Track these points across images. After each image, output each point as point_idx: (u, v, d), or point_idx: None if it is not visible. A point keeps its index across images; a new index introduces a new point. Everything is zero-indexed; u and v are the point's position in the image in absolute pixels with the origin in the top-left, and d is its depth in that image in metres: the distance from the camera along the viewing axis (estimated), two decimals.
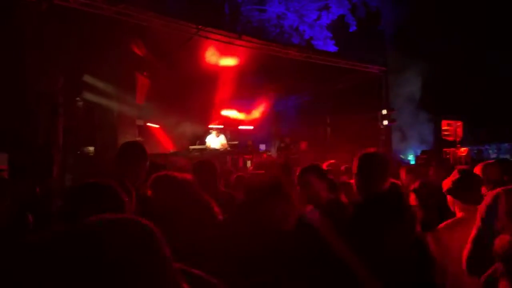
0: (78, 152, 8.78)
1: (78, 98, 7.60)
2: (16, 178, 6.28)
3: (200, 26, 8.69)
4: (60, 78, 7.05)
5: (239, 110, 13.90)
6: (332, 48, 16.04)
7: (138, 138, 10.25)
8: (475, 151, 15.43)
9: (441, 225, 2.41)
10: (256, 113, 14.04)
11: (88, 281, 0.67)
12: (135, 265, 0.71)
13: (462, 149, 11.58)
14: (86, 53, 8.53)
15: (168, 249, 0.79)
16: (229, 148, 10.90)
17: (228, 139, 11.59)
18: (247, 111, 14.22)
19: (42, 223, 2.60)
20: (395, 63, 14.45)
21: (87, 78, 8.57)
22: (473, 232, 1.99)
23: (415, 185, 3.32)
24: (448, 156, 10.94)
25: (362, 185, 2.22)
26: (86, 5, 7.32)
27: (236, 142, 11.97)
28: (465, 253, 2.01)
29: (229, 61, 10.99)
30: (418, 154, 13.95)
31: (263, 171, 2.17)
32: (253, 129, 14.33)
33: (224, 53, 10.17)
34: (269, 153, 13.15)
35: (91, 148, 9.12)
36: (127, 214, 1.21)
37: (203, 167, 2.87)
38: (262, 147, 13.12)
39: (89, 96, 8.71)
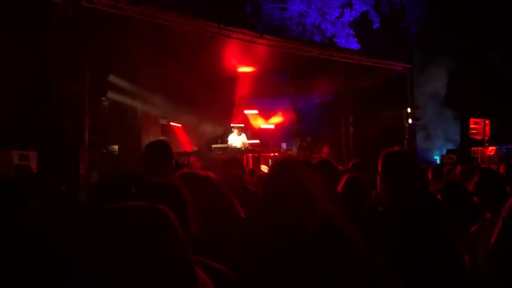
0: (104, 151, 9.00)
1: (103, 98, 7.77)
2: (45, 175, 6.50)
3: (222, 25, 8.73)
4: (86, 78, 7.23)
5: (261, 112, 13.87)
6: (354, 45, 15.80)
7: (161, 137, 10.41)
8: (504, 150, 14.92)
9: (473, 228, 2.34)
10: (277, 119, 13.99)
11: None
12: (153, 246, 0.77)
13: (490, 148, 11.23)
14: (111, 53, 8.73)
15: (184, 236, 0.84)
16: (250, 147, 10.92)
17: (249, 138, 11.61)
18: (268, 113, 14.20)
19: (68, 218, 2.68)
20: (420, 60, 14.15)
21: (112, 78, 8.75)
22: (495, 233, 1.93)
23: (441, 185, 3.25)
24: (476, 155, 10.62)
25: (387, 185, 2.17)
26: (110, 6, 7.48)
27: (257, 141, 11.98)
28: (488, 254, 1.95)
29: (249, 63, 10.98)
30: (444, 153, 13.62)
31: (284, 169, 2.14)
32: (274, 128, 14.31)
33: (246, 52, 10.17)
34: (290, 152, 13.12)
35: (116, 147, 9.32)
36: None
37: (228, 165, 2.90)
38: (283, 146, 13.10)
39: (114, 95, 8.90)
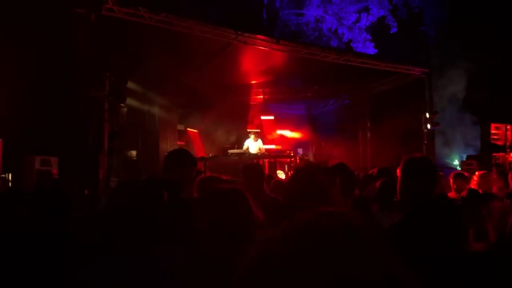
0: (122, 156, 9.14)
1: (122, 104, 7.91)
2: (66, 180, 6.64)
3: (239, 32, 8.79)
4: (106, 85, 7.38)
5: (277, 118, 13.85)
6: (371, 50, 15.72)
7: (178, 143, 10.52)
8: None
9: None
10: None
11: None
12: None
13: None
14: (130, 60, 8.88)
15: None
16: (266, 153, 10.92)
17: (265, 143, 11.62)
18: (284, 119, 14.17)
19: (88, 222, 2.73)
20: (438, 62, 13.94)
21: (131, 85, 8.90)
22: None
23: (464, 193, 3.19)
24: (497, 161, 10.37)
25: (407, 191, 2.15)
26: (130, 15, 7.62)
27: (273, 146, 11.98)
28: None
29: (266, 69, 10.99)
30: (464, 158, 13.34)
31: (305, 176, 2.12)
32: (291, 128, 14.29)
33: (262, 58, 10.20)
34: (307, 157, 13.06)
35: (134, 152, 9.46)
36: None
37: (250, 171, 2.92)
38: (300, 151, 13.05)
39: (132, 102, 9.05)
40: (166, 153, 2.55)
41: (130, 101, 9.11)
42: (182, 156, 2.49)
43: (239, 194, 1.49)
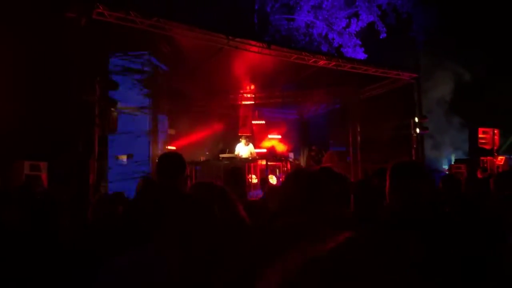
0: (112, 161, 9.07)
1: (113, 109, 7.87)
2: (55, 185, 6.58)
3: (230, 37, 8.83)
4: (96, 89, 7.34)
5: (268, 122, 13.87)
6: (361, 55, 15.89)
7: (170, 147, 10.49)
8: None
9: None
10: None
11: None
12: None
13: (500, 158, 11.15)
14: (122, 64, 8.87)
15: None
16: (257, 157, 10.93)
17: (256, 148, 11.64)
18: (275, 123, 14.20)
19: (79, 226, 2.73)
20: (426, 67, 14.14)
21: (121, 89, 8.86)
22: None
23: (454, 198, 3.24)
24: (485, 165, 10.54)
25: (397, 197, 2.18)
26: (122, 19, 7.61)
27: (264, 151, 12.01)
28: None
29: (257, 74, 11.04)
30: (452, 162, 13.53)
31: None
32: (281, 138, 14.33)
33: (253, 62, 10.25)
34: (297, 162, 13.11)
35: (124, 156, 9.40)
36: None
37: (231, 177, 2.95)
38: (291, 155, 13.10)
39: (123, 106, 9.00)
40: (159, 157, 2.57)
41: (121, 105, 9.07)
42: (173, 161, 2.51)
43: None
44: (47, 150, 6.96)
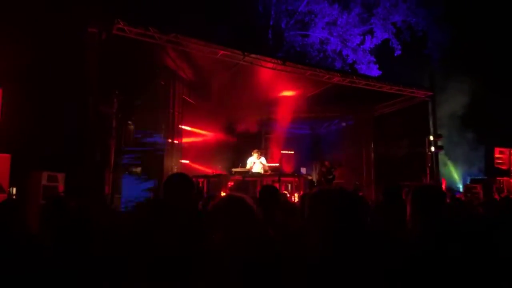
0: (127, 172, 9.17)
1: (129, 122, 8.01)
2: (71, 196, 6.67)
3: (246, 53, 8.95)
4: (114, 102, 7.49)
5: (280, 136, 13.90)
6: (375, 72, 15.90)
7: (183, 161, 10.56)
8: None
9: None
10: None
11: None
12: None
13: None
14: (138, 79, 9.03)
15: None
16: (269, 171, 10.92)
17: (268, 162, 11.64)
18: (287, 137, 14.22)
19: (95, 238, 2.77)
20: (442, 84, 14.06)
21: (138, 102, 9.01)
22: None
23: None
24: (501, 185, 10.36)
25: (419, 221, 2.18)
26: (141, 35, 7.79)
27: (277, 165, 12.00)
28: None
29: (272, 89, 11.12)
30: (467, 181, 13.30)
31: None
32: (294, 153, 14.32)
33: (268, 78, 10.33)
34: (310, 177, 13.05)
35: (139, 169, 9.49)
36: None
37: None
38: (303, 170, 13.06)
39: (139, 119, 9.12)
40: (167, 177, 2.63)
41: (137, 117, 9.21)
42: (182, 181, 2.57)
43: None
44: (64, 161, 7.07)
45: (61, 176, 6.87)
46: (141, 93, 9.03)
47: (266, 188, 3.25)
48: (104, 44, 7.18)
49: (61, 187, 6.78)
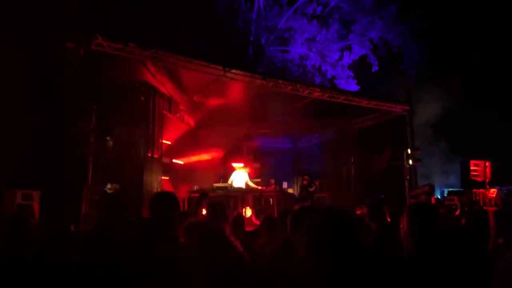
0: (104, 189, 8.97)
1: (108, 138, 7.87)
2: (48, 214, 6.47)
3: (226, 68, 9.00)
4: (92, 118, 7.37)
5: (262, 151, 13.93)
6: (354, 87, 16.23)
7: (163, 176, 10.43)
8: (505, 192, 14.87)
9: None
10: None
11: None
12: None
13: (492, 190, 11.22)
14: (117, 94, 8.93)
15: None
16: (253, 186, 10.89)
17: (250, 177, 11.62)
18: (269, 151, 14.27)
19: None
20: (419, 99, 14.46)
21: (117, 118, 8.89)
22: None
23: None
24: (477, 197, 10.61)
25: (415, 239, 2.23)
26: (120, 50, 7.74)
27: (258, 180, 11.98)
28: None
29: (251, 103, 11.19)
30: (444, 193, 13.58)
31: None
32: (275, 167, 14.35)
33: (248, 93, 10.40)
34: (291, 191, 13.08)
35: (117, 186, 9.29)
36: None
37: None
38: (285, 184, 13.08)
39: (118, 135, 8.98)
40: (152, 196, 2.62)
41: (115, 134, 9.07)
42: (168, 199, 2.58)
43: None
44: (40, 178, 6.88)
45: (36, 194, 6.69)
46: (120, 109, 8.93)
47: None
48: (82, 59, 7.11)
49: (36, 205, 6.59)
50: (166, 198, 2.64)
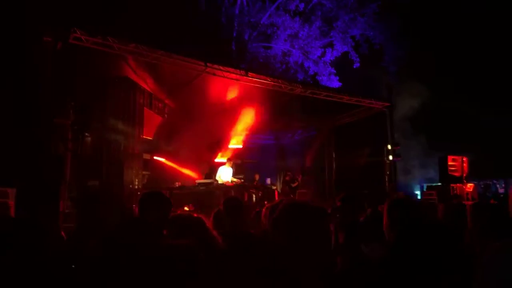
0: (84, 186, 8.80)
1: (86, 134, 7.72)
2: (23, 212, 6.31)
3: (208, 63, 8.93)
4: (70, 114, 7.21)
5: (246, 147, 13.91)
6: (336, 83, 16.34)
7: (144, 172, 10.31)
8: (482, 186, 15.28)
9: None
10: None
11: None
12: None
13: (469, 184, 11.51)
14: (96, 89, 8.77)
15: None
16: (235, 182, 10.87)
17: (233, 173, 11.60)
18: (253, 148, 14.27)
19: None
20: (398, 94, 14.69)
21: (96, 114, 8.73)
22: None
23: None
24: (455, 192, 10.86)
25: (395, 233, 2.27)
26: (99, 44, 7.58)
27: (241, 176, 11.98)
28: None
29: (234, 100, 11.17)
30: (424, 188, 13.87)
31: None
32: (258, 163, 14.37)
33: (231, 89, 10.38)
34: (274, 187, 13.11)
35: (96, 182, 9.14)
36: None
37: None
38: (268, 181, 13.11)
39: (97, 131, 8.83)
40: (141, 195, 2.56)
41: (95, 130, 8.91)
42: (158, 199, 2.52)
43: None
44: (15, 175, 6.70)
45: (11, 192, 6.50)
46: (100, 104, 8.77)
47: (230, 200, 3.24)
48: (59, 53, 6.93)
49: (11, 203, 6.41)
50: (157, 198, 2.59)
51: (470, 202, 9.99)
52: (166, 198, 2.57)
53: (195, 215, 2.38)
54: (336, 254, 2.57)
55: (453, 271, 2.08)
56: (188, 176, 11.76)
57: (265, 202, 9.48)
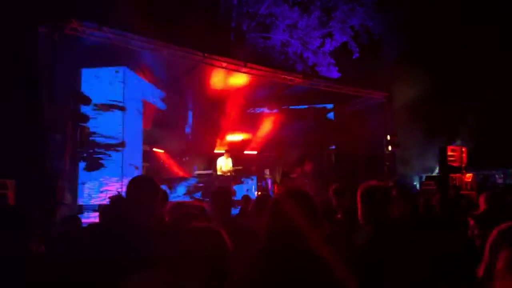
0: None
1: (85, 125, 7.69)
2: (22, 204, 6.31)
3: (206, 54, 8.88)
4: (69, 105, 7.19)
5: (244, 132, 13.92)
6: (335, 74, 16.26)
7: (144, 164, 10.32)
8: (481, 177, 15.29)
9: None
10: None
11: None
12: None
13: (468, 175, 11.53)
14: (94, 79, 8.73)
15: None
16: (233, 173, 10.89)
17: (232, 164, 11.61)
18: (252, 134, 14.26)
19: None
20: (398, 85, 14.60)
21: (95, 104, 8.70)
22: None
23: None
24: (454, 182, 10.89)
25: (367, 215, 2.27)
26: (95, 35, 7.53)
27: (240, 167, 11.99)
28: None
29: (235, 85, 11.11)
30: (423, 178, 13.88)
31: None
32: (257, 154, 14.36)
33: (230, 79, 10.33)
34: (270, 177, 13.15)
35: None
36: None
37: (218, 195, 2.94)
38: (267, 172, 13.13)
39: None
40: (129, 180, 2.49)
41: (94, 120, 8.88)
42: (145, 183, 2.46)
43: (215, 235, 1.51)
44: (15, 167, 6.69)
45: (11, 183, 6.50)
46: (98, 95, 8.74)
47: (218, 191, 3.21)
48: (56, 44, 6.88)
49: (11, 194, 6.42)
50: (143, 183, 2.52)
51: (467, 192, 10.03)
52: (154, 182, 2.49)
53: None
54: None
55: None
56: (187, 167, 11.77)
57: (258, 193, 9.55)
